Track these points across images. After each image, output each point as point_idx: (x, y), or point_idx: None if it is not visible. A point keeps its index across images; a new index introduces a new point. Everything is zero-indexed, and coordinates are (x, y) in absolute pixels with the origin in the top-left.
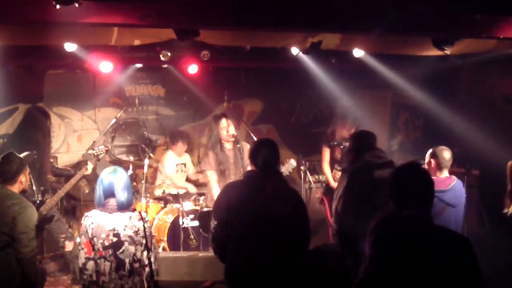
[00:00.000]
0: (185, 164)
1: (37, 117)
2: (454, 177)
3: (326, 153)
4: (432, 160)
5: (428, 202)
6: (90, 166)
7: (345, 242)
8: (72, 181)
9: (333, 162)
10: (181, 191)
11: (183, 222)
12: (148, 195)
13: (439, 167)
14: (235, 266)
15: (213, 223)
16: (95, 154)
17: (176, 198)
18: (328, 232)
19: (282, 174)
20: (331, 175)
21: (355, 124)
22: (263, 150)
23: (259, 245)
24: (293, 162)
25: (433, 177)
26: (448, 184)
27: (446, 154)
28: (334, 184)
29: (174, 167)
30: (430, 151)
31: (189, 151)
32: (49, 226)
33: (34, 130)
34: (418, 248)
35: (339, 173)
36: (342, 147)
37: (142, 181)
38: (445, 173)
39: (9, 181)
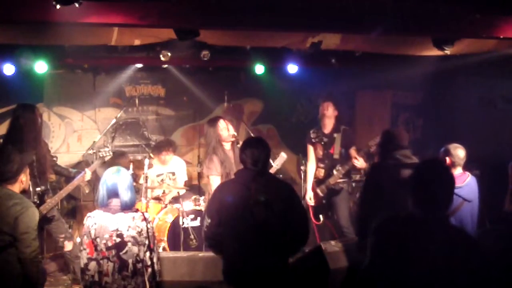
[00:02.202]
0: (173, 173)
1: (25, 116)
2: (468, 173)
3: (309, 151)
4: (447, 158)
5: (450, 201)
6: (88, 173)
7: (363, 232)
8: (75, 182)
9: (316, 160)
10: (181, 191)
11: (183, 222)
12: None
13: (453, 165)
14: (232, 266)
15: (206, 221)
16: (101, 155)
17: (176, 198)
18: (314, 231)
19: (272, 171)
20: (312, 174)
21: (336, 109)
22: (252, 149)
23: (255, 244)
24: (283, 155)
25: None
26: (464, 180)
27: (461, 152)
28: (308, 186)
29: (154, 177)
30: (443, 148)
31: (189, 151)
32: (48, 226)
33: (26, 129)
34: (418, 249)
35: (322, 171)
36: (322, 143)
37: (142, 181)
38: (459, 170)
39: (10, 181)
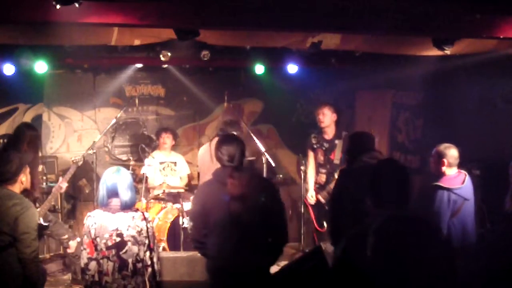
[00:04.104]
0: (175, 163)
1: (26, 136)
2: (463, 171)
3: (310, 156)
4: (444, 160)
5: (409, 198)
6: (64, 184)
7: (336, 241)
8: (56, 190)
9: (317, 165)
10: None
11: (183, 222)
12: (148, 195)
13: (449, 165)
14: (213, 262)
15: (189, 224)
16: (74, 161)
17: (176, 198)
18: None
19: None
20: (312, 178)
21: (334, 112)
22: (227, 146)
23: (233, 240)
24: None
25: (445, 176)
26: (463, 180)
27: (454, 151)
28: (310, 186)
29: (158, 165)
30: (436, 151)
31: (189, 151)
32: (49, 232)
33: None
34: (420, 248)
35: (324, 176)
36: (323, 148)
37: (142, 181)
38: (454, 170)
39: (10, 181)
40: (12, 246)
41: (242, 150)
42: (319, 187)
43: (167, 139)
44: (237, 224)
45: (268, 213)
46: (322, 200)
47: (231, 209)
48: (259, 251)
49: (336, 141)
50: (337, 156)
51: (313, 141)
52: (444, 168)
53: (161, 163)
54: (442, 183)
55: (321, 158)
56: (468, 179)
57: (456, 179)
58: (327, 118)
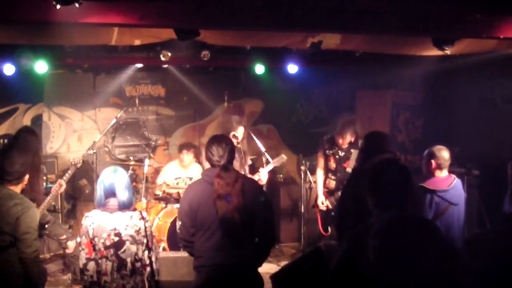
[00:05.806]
0: (191, 178)
1: (26, 139)
2: (453, 175)
3: (321, 160)
4: (433, 161)
5: (409, 198)
6: (63, 182)
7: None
8: (55, 189)
9: (327, 170)
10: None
11: None
12: (148, 195)
13: (439, 167)
14: (200, 260)
15: (178, 224)
16: (73, 163)
17: (177, 198)
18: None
19: (268, 168)
20: (321, 181)
21: (354, 134)
22: (217, 146)
23: (219, 238)
24: (283, 156)
25: (433, 177)
26: (450, 183)
27: (445, 154)
28: (320, 191)
29: (172, 179)
30: (427, 151)
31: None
32: (46, 232)
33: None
34: (423, 249)
35: (333, 182)
36: (337, 157)
37: (142, 181)
38: (444, 173)
39: (15, 181)
40: (13, 246)
41: (231, 150)
42: (328, 192)
43: (186, 157)
44: (223, 224)
45: (254, 213)
46: (330, 206)
47: (217, 208)
48: (245, 251)
49: (352, 150)
50: (351, 165)
51: (326, 146)
52: (433, 169)
53: (176, 178)
54: (427, 184)
55: (333, 165)
56: (456, 183)
57: (443, 182)
58: (347, 139)
